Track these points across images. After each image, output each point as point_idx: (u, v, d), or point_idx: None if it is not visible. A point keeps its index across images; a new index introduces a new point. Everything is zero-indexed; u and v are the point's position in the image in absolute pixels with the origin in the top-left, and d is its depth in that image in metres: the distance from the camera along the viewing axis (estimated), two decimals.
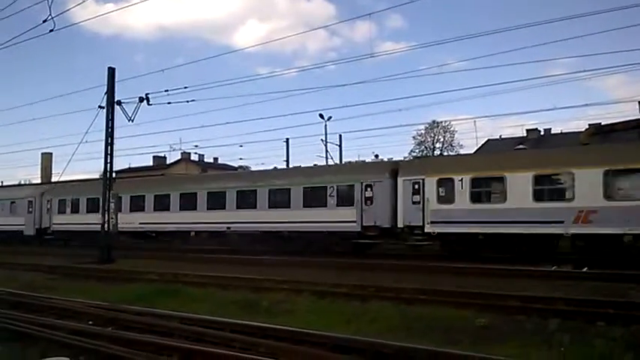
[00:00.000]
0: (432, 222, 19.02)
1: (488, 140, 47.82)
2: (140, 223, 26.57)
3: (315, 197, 22.08)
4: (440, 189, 19.13)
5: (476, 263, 16.46)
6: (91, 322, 9.17)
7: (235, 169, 50.03)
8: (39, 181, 53.58)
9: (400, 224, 19.85)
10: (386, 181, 20.57)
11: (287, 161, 44.01)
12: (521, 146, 35.43)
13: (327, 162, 39.97)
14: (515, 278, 13.45)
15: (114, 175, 24.40)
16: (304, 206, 22.28)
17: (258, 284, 13.32)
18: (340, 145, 43.92)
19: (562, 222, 16.58)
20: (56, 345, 7.47)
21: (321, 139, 41.42)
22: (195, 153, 56.02)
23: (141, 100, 22.57)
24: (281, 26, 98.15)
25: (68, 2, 62.25)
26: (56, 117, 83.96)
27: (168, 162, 55.98)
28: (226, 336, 7.68)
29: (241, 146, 58.55)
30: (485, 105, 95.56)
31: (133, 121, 22.84)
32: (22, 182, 55.58)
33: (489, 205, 18.28)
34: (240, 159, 53.96)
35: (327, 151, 41.64)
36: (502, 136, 48.92)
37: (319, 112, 39.65)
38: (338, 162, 40.44)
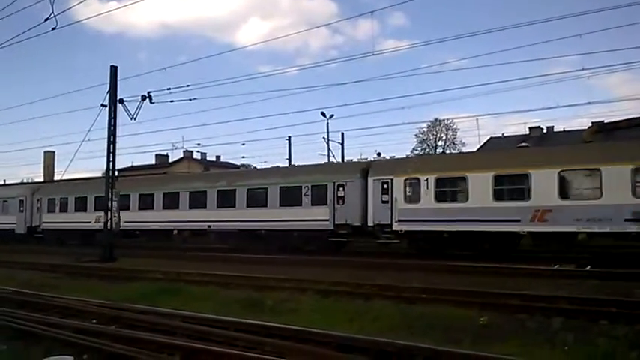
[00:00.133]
0: (399, 220, 19.75)
1: (491, 138, 47.76)
2: (125, 222, 26.86)
3: (290, 197, 22.78)
4: (407, 189, 19.91)
5: (477, 262, 16.45)
6: (94, 321, 9.18)
7: (237, 167, 50.04)
8: (42, 179, 53.73)
9: (370, 223, 20.55)
10: (357, 181, 21.29)
11: (289, 159, 44.08)
12: (523, 144, 35.29)
13: (329, 160, 40.00)
14: (517, 277, 13.43)
15: (116, 173, 24.44)
16: (280, 205, 23.04)
17: (262, 283, 13.33)
18: (342, 144, 43.98)
19: (519, 220, 17.33)
20: (59, 343, 7.49)
21: (323, 138, 41.46)
22: (198, 151, 56.09)
23: (143, 98, 22.62)
24: (283, 24, 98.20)
25: (71, 0, 62.28)
26: (59, 115, 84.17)
27: (170, 160, 56.05)
28: (230, 335, 7.68)
29: (243, 144, 58.78)
30: (487, 103, 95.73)
31: (135, 119, 22.95)
32: (25, 181, 55.70)
33: (453, 205, 18.96)
34: (243, 157, 54.03)
35: (329, 149, 41.70)
36: (505, 134, 48.88)
37: (321, 110, 39.72)
38: (340, 160, 40.53)
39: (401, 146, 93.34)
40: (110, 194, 22.50)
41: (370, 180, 20.86)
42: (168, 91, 22.32)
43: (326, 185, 22.00)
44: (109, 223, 22.27)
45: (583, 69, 23.53)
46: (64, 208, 31.45)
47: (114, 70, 22.47)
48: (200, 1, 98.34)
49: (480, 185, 18.28)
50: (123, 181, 30.43)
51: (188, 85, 22.68)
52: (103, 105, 22.33)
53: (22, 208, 33.61)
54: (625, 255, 16.11)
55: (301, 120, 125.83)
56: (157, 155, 56.03)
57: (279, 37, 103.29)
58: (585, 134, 27.18)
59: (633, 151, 16.86)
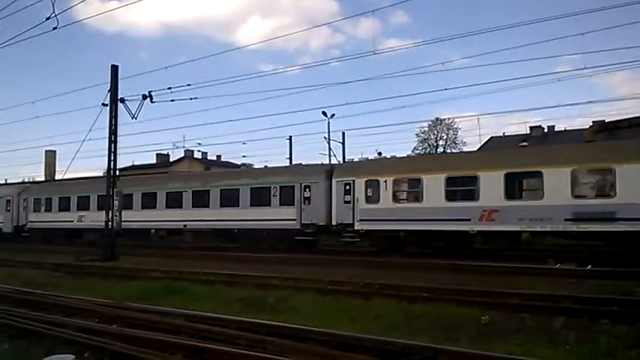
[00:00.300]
0: (360, 220, 20.60)
1: (492, 137, 47.75)
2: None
3: (260, 197, 23.64)
4: (368, 190, 20.66)
5: (478, 261, 16.46)
6: (96, 320, 9.20)
7: (238, 166, 50.10)
8: (43, 178, 53.76)
9: (334, 222, 21.47)
10: (322, 183, 22.13)
11: (290, 159, 44.03)
12: (524, 143, 35.39)
13: (329, 160, 40.01)
14: (518, 276, 13.41)
15: (118, 172, 24.47)
16: (251, 205, 23.89)
17: (263, 282, 13.34)
18: (343, 143, 43.96)
19: (469, 220, 18.14)
20: (61, 342, 7.50)
21: (324, 137, 41.45)
22: (199, 151, 56.05)
23: (144, 97, 22.59)
24: (284, 23, 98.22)
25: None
26: (60, 115, 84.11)
27: (171, 160, 56.06)
28: (231, 333, 7.70)
29: (244, 144, 58.54)
30: (489, 102, 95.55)
31: (136, 118, 22.89)
32: (26, 180, 55.75)
33: (409, 205, 19.87)
34: (244, 156, 53.91)
35: (330, 148, 41.70)
36: (506, 134, 48.88)
37: (322, 109, 39.68)
38: (341, 160, 40.54)
39: (402, 145, 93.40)
40: (112, 193, 22.52)
41: (334, 181, 21.73)
42: (169, 91, 22.30)
43: (293, 186, 22.82)
44: (110, 223, 22.25)
45: (585, 68, 23.50)
46: (48, 208, 32.26)
47: (115, 69, 22.46)
48: (201, 0, 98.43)
49: (433, 186, 19.14)
50: (103, 182, 30.97)
51: (189, 85, 22.70)
52: (103, 104, 22.32)
53: (8, 208, 34.33)
54: (626, 254, 16.07)
55: (302, 119, 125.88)
56: (157, 154, 56.06)
57: (280, 36, 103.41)
58: (586, 133, 27.22)
59: (572, 154, 17.95)
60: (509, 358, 6.12)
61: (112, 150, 22.46)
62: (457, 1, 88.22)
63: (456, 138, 55.15)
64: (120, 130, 22.62)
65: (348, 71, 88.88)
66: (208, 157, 58.70)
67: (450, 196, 18.82)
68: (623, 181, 15.83)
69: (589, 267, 14.47)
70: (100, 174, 37.54)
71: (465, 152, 26.64)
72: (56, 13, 15.57)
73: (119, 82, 22.50)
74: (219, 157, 60.17)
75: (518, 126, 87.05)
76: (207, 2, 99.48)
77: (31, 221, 32.96)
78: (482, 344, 7.06)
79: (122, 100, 22.57)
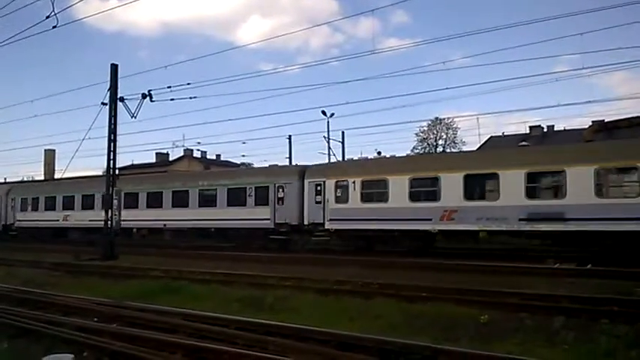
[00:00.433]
0: (330, 219, 21.46)
1: (491, 137, 47.73)
2: (90, 220, 28.30)
3: (236, 197, 24.38)
4: (337, 190, 21.52)
5: (478, 260, 16.47)
6: (95, 319, 9.19)
7: (238, 165, 50.05)
8: (42, 177, 53.74)
9: (306, 222, 22.26)
10: (295, 183, 22.93)
11: (290, 158, 44.01)
12: (523, 143, 35.33)
13: (329, 159, 40.00)
14: (517, 276, 13.43)
15: (117, 171, 24.48)
16: (228, 205, 24.60)
17: (262, 281, 13.34)
18: (343, 142, 43.96)
19: (431, 219, 18.94)
20: (60, 341, 7.49)
21: (324, 136, 41.46)
22: (198, 150, 56.04)
23: (144, 96, 22.60)
24: (284, 22, 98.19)
25: None
26: (59, 114, 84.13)
27: (171, 159, 56.00)
28: (231, 333, 7.69)
29: (244, 143, 58.45)
30: (488, 102, 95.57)
31: (136, 117, 22.90)
32: (25, 179, 55.72)
33: (375, 205, 20.48)
34: (243, 156, 53.92)
35: (329, 148, 41.71)
36: (505, 133, 48.86)
37: (322, 108, 39.66)
38: (340, 159, 40.54)
39: (402, 145, 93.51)
40: (111, 192, 22.51)
41: (306, 182, 22.53)
42: (168, 90, 22.36)
43: (268, 187, 23.57)
44: (109, 222, 22.24)
45: (584, 68, 23.52)
46: (35, 207, 33.05)
47: (114, 68, 22.44)
48: None
49: (398, 187, 19.90)
50: (88, 182, 33.32)
51: (189, 84, 22.77)
52: (103, 103, 22.31)
53: None
54: (626, 254, 16.08)
55: (302, 119, 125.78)
56: (157, 153, 56.01)
57: (280, 35, 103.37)
58: (586, 133, 27.22)
59: (526, 156, 19.07)
60: (508, 357, 6.12)
61: (112, 149, 22.44)
62: (457, 1, 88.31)
63: (455, 137, 55.09)
64: (119, 129, 22.67)
65: (348, 70, 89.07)
66: (208, 157, 58.68)
67: (414, 197, 19.59)
68: (572, 182, 16.59)
69: (589, 266, 14.49)
70: (100, 173, 37.60)
71: (428, 154, 27.81)
72: (56, 11, 15.55)
73: (119, 81, 22.49)
74: (218, 156, 60.15)
75: (517, 125, 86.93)
76: (207, 1, 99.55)
77: (19, 220, 33.84)
78: (482, 344, 7.05)
79: (122, 99, 22.57)
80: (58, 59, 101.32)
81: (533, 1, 68.83)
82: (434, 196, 19.14)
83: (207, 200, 25.31)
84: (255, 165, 44.55)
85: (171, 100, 22.66)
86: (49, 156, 55.65)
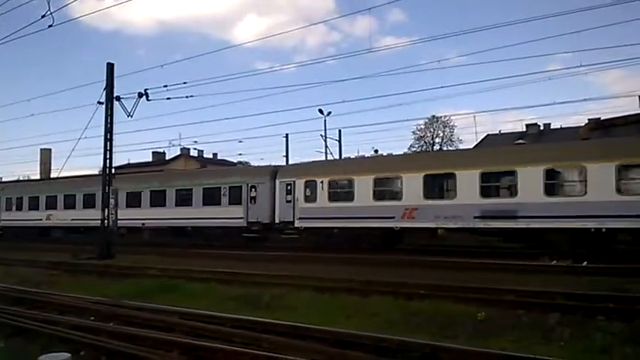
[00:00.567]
0: (300, 218, 22.26)
1: (488, 135, 47.78)
2: (72, 219, 29.82)
3: (211, 197, 25.09)
4: (306, 190, 22.28)
5: (474, 258, 16.51)
6: (92, 318, 9.18)
7: (234, 164, 50.01)
8: (38, 177, 53.56)
9: (277, 220, 23.10)
10: (267, 183, 23.72)
11: (286, 157, 44.01)
12: (520, 141, 35.40)
13: (326, 157, 40.00)
14: (514, 273, 13.45)
15: (113, 171, 24.43)
16: (203, 204, 25.32)
17: (259, 279, 13.33)
18: (340, 141, 43.96)
19: (393, 217, 19.72)
20: (57, 340, 7.48)
21: (321, 135, 41.47)
22: (195, 149, 55.98)
23: (140, 95, 22.51)
24: (280, 21, 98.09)
25: None
26: (55, 113, 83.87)
27: (167, 158, 55.92)
28: (227, 331, 7.69)
29: (241, 142, 58.43)
30: (485, 100, 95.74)
31: (132, 116, 22.81)
32: (21, 178, 55.56)
33: (342, 204, 21.28)
34: (240, 154, 53.83)
35: (326, 146, 41.74)
36: (501, 131, 48.89)
37: (319, 107, 39.63)
38: (337, 157, 40.54)
39: (399, 143, 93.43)
40: (108, 191, 22.46)
41: (277, 182, 23.36)
42: (165, 89, 22.27)
43: (241, 187, 24.27)
44: (106, 221, 22.20)
45: (580, 66, 23.64)
46: (19, 207, 33.75)
47: (110, 67, 22.35)
48: None
49: (363, 187, 20.73)
50: (69, 182, 34.17)
51: (185, 83, 22.67)
52: (99, 102, 22.23)
53: None
54: (622, 251, 16.15)
55: (299, 117, 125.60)
56: (153, 152, 55.93)
57: (277, 34, 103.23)
58: (582, 131, 27.24)
59: (481, 158, 20.08)
60: (505, 354, 6.13)
61: (108, 148, 22.37)
62: (452, 0, 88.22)
63: (452, 136, 55.22)
64: (116, 128, 22.55)
65: (345, 69, 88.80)
66: (204, 156, 58.59)
67: (378, 196, 20.40)
68: (523, 182, 17.39)
69: (584, 264, 14.54)
70: (96, 172, 37.60)
71: (390, 155, 29.83)
72: (51, 10, 15.47)
73: (115, 80, 22.39)
74: (215, 155, 60.06)
75: (514, 123, 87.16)
76: (204, 0, 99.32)
77: (4, 219, 34.33)
78: (479, 341, 7.08)
79: (118, 98, 22.48)
80: (54, 58, 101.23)
81: None
82: (396, 195, 19.99)
83: (184, 200, 26.04)
84: (252, 164, 44.59)
85: (168, 99, 22.61)
86: (45, 155, 55.45)
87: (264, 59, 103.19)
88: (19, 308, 9.99)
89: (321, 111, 39.49)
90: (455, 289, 10.83)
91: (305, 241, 22.57)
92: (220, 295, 11.58)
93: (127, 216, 26.38)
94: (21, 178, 55.22)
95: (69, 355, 6.33)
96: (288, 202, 22.68)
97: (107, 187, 22.47)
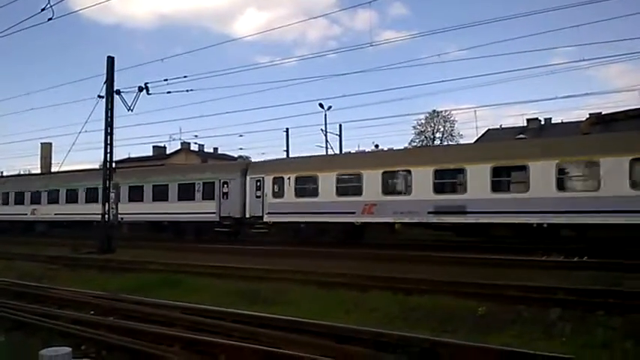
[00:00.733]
0: (268, 213, 23.25)
1: (489, 130, 47.67)
2: (55, 214, 31.14)
3: (186, 192, 26.13)
4: (275, 186, 23.29)
5: (475, 253, 16.51)
6: (92, 312, 9.19)
7: (235, 159, 49.94)
8: (39, 171, 53.55)
9: (247, 215, 24.05)
10: (238, 179, 24.62)
11: (287, 151, 44.00)
12: (521, 136, 35.32)
13: (326, 152, 39.96)
14: (515, 268, 13.44)
15: (114, 165, 24.43)
16: (179, 200, 26.32)
17: (259, 274, 13.33)
18: (340, 135, 43.93)
19: (354, 213, 20.66)
20: (58, 334, 7.48)
21: (321, 129, 41.44)
22: (195, 143, 55.86)
23: (140, 89, 22.46)
24: (281, 15, 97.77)
25: None
26: (56, 107, 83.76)
27: (168, 152, 55.82)
28: (227, 326, 7.68)
29: (241, 136, 58.70)
30: (486, 94, 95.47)
31: (132, 110, 22.77)
32: (22, 172, 55.54)
33: (308, 199, 22.21)
34: (240, 149, 53.94)
35: (327, 140, 41.70)
36: (502, 126, 48.78)
37: (319, 101, 39.61)
38: (338, 152, 40.49)
39: (399, 138, 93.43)
40: (109, 185, 22.46)
41: (248, 178, 24.29)
42: (165, 82, 22.20)
43: (214, 182, 25.24)
44: (106, 215, 22.21)
45: (581, 60, 23.56)
46: (5, 202, 34.88)
47: (111, 61, 22.29)
48: None
49: (326, 183, 21.66)
50: (54, 177, 35.19)
51: (185, 76, 22.61)
52: (99, 96, 22.20)
53: None
54: (623, 246, 16.14)
55: (299, 111, 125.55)
56: (154, 147, 55.82)
57: (277, 27, 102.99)
58: (583, 125, 27.24)
59: (434, 155, 21.48)
60: (507, 349, 6.12)
61: (108, 142, 22.35)
62: None
63: (452, 130, 55.09)
64: (116, 123, 22.54)
65: (345, 63, 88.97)
66: (205, 150, 58.51)
67: (340, 192, 21.34)
68: (472, 179, 18.31)
69: (585, 259, 14.55)
70: (96, 166, 37.63)
71: (352, 153, 31.59)
72: (51, 4, 15.36)
73: (115, 73, 22.34)
74: (216, 149, 59.97)
75: (515, 118, 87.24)
76: None
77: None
78: (480, 336, 7.07)
79: (118, 92, 22.43)
80: (55, 52, 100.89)
81: None
82: (357, 191, 20.84)
83: (161, 195, 26.92)
84: (253, 158, 44.54)
85: (168, 92, 22.55)
86: (46, 149, 55.38)
87: (264, 53, 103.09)
88: (19, 302, 9.99)
89: (321, 105, 39.52)
90: (455, 284, 10.81)
91: (274, 236, 23.31)
92: (220, 289, 11.57)
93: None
94: (22, 173, 55.19)
95: (69, 349, 6.32)
96: (257, 197, 23.62)
97: (108, 182, 22.45)
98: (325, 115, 40.48)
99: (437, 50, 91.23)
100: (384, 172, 20.44)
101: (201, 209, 25.16)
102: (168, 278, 13.05)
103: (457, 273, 12.53)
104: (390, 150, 28.60)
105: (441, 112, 54.28)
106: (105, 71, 22.24)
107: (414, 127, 55.08)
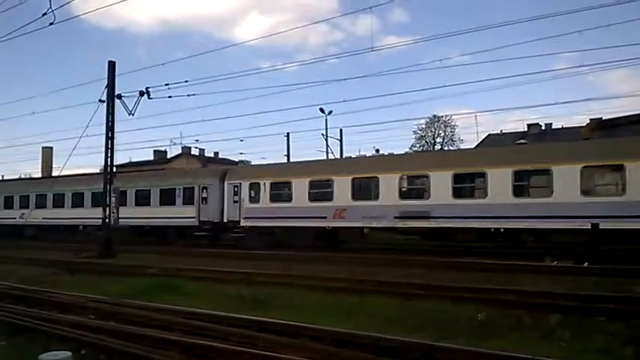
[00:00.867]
0: (245, 217, 23.89)
1: (489, 135, 47.71)
2: (43, 218, 31.73)
3: (167, 197, 26.69)
4: (251, 191, 23.96)
5: (473, 258, 16.51)
6: (92, 317, 9.18)
7: (236, 163, 49.99)
8: (39, 175, 53.61)
9: (225, 219, 24.63)
10: (216, 185, 25.22)
11: (288, 156, 44.00)
12: (522, 141, 35.36)
13: (327, 156, 39.97)
14: (515, 273, 13.43)
15: (115, 169, 24.49)
16: (160, 204, 26.90)
17: (258, 279, 13.31)
18: (341, 140, 43.94)
19: (326, 217, 21.32)
20: (58, 339, 7.48)
21: (322, 134, 41.44)
22: (196, 147, 55.99)
23: (141, 93, 22.54)
24: (283, 20, 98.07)
25: None
26: (57, 111, 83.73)
27: (168, 156, 55.90)
28: (226, 330, 7.68)
29: (242, 140, 58.46)
30: (486, 100, 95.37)
31: (133, 115, 22.84)
32: (22, 176, 55.61)
33: (282, 204, 22.93)
34: (241, 153, 53.80)
35: (327, 145, 41.71)
36: (503, 131, 48.81)
37: (320, 106, 39.60)
38: (339, 156, 40.51)
39: (400, 143, 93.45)
40: (109, 190, 22.49)
41: (226, 183, 24.86)
42: (166, 87, 22.32)
43: (193, 188, 25.85)
44: (107, 219, 22.22)
45: (583, 65, 23.59)
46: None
47: (112, 65, 22.37)
48: None
49: (300, 188, 22.36)
50: (40, 183, 36.17)
51: (186, 81, 22.67)
52: (101, 100, 22.27)
53: None
54: (623, 252, 16.13)
55: (300, 116, 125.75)
56: (155, 151, 55.94)
57: (279, 32, 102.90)
58: (583, 131, 27.25)
59: (400, 162, 22.16)
60: (506, 355, 6.11)
61: (109, 146, 22.40)
62: None
63: (453, 135, 55.25)
64: (117, 127, 22.67)
65: (347, 68, 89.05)
66: (206, 154, 58.60)
67: (313, 197, 21.98)
68: (435, 185, 19.07)
69: (585, 264, 14.53)
70: (97, 170, 37.75)
71: (323, 160, 32.38)
72: (53, 8, 15.44)
73: (116, 78, 22.44)
74: (216, 153, 60.05)
75: (516, 123, 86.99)
76: None
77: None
78: (479, 341, 7.05)
79: (119, 97, 22.53)
80: (56, 56, 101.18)
81: None
82: (328, 196, 21.51)
83: (143, 200, 27.49)
84: (253, 163, 44.57)
85: (169, 97, 22.69)
86: (47, 153, 55.52)
87: (266, 58, 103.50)
88: (20, 306, 9.98)
89: (322, 110, 39.52)
90: (454, 289, 10.79)
91: (250, 240, 23.54)
92: (219, 294, 11.55)
93: (92, 215, 27.22)
94: (23, 176, 55.25)
95: (69, 353, 6.33)
96: (235, 202, 24.21)
97: (109, 186, 22.48)
98: (326, 119, 40.51)
99: (438, 55, 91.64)
100: (353, 179, 21.09)
101: (182, 214, 25.75)
102: (167, 283, 13.02)
103: (457, 278, 12.50)
104: (360, 157, 30.03)
105: (442, 117, 54.46)
106: (106, 76, 22.31)
107: (415, 132, 55.24)
